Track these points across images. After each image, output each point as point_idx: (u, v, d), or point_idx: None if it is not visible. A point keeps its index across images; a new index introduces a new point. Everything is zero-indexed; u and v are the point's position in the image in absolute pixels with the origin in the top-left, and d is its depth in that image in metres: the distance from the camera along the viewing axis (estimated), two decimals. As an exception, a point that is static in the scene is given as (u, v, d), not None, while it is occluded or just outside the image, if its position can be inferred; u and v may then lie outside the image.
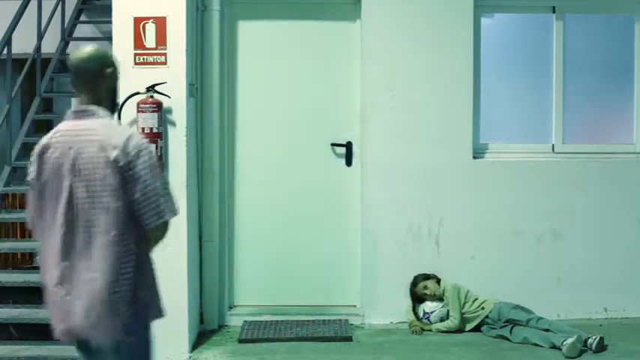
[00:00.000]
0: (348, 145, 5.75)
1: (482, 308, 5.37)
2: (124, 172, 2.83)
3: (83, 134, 2.90)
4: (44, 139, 2.99)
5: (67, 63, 3.06)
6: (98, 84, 2.99)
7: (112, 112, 3.06)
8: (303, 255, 5.75)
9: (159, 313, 3.02)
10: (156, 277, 3.01)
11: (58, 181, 2.89)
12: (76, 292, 2.87)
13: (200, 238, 5.48)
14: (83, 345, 2.97)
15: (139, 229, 2.89)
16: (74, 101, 7.69)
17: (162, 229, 2.93)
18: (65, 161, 2.88)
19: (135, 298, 2.89)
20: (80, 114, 2.96)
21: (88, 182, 2.85)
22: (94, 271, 2.84)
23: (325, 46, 5.78)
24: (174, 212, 2.92)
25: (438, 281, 5.53)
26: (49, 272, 2.93)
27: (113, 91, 3.06)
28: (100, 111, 2.96)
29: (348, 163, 5.75)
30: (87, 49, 3.06)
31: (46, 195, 2.93)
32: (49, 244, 2.92)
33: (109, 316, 2.84)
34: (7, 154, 5.99)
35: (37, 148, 2.99)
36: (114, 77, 3.05)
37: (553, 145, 5.90)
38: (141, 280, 2.92)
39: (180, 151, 4.98)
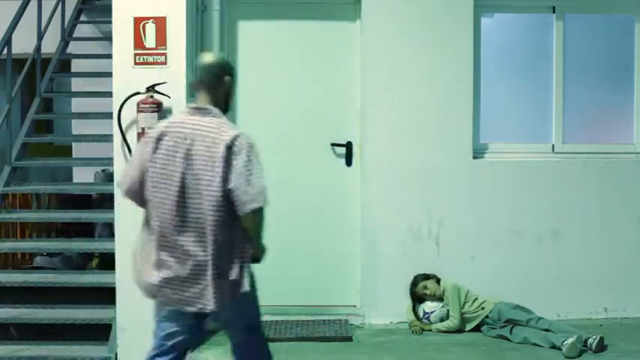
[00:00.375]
0: (348, 145, 5.75)
1: (483, 308, 5.37)
2: (227, 165, 3.22)
3: (198, 129, 3.31)
4: (161, 126, 3.42)
5: (197, 65, 3.50)
6: (217, 88, 3.42)
7: (224, 112, 3.44)
8: (303, 255, 5.75)
9: (239, 292, 3.34)
10: (249, 256, 3.38)
11: (171, 166, 3.30)
12: (182, 263, 3.29)
13: (200, 238, 5.47)
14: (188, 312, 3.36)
15: (237, 218, 3.28)
16: (74, 101, 7.72)
17: (252, 217, 3.28)
18: (179, 150, 3.30)
19: (232, 271, 3.30)
20: (198, 110, 3.39)
21: (198, 171, 3.26)
22: (200, 247, 3.26)
23: (325, 46, 5.78)
24: (261, 203, 3.27)
25: (438, 281, 5.53)
26: (159, 244, 3.33)
27: (228, 96, 3.48)
28: (215, 110, 3.37)
29: (348, 163, 5.75)
30: (212, 57, 3.59)
31: (159, 176, 3.32)
32: (159, 219, 3.33)
33: (212, 287, 3.27)
34: (7, 154, 5.99)
35: (154, 133, 3.40)
36: (231, 84, 3.48)
37: (553, 145, 5.90)
38: (238, 257, 3.32)
39: (180, 151, 4.97)
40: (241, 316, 3.49)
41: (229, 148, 3.24)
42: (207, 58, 3.53)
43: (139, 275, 3.44)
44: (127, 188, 3.43)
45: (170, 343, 3.50)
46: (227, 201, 3.24)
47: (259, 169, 3.30)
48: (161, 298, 3.40)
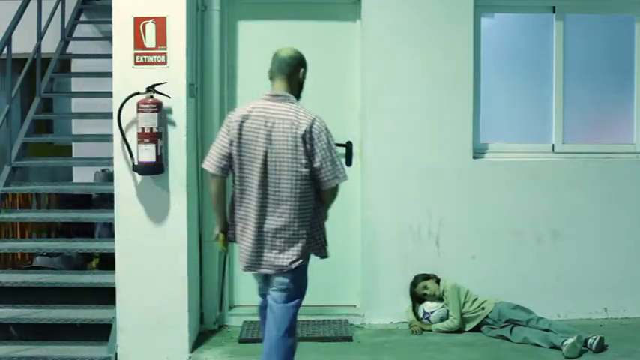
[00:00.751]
0: (348, 145, 5.75)
1: (483, 308, 5.37)
2: (308, 145, 3.73)
3: (278, 113, 3.79)
4: (243, 110, 3.86)
5: (274, 57, 3.96)
6: (293, 78, 3.90)
7: (297, 99, 3.91)
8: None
9: (324, 252, 4.01)
10: (323, 225, 3.97)
11: (254, 146, 3.77)
12: (260, 231, 3.79)
13: (200, 238, 5.48)
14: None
15: (315, 191, 3.81)
16: (74, 101, 7.71)
17: (333, 192, 3.86)
18: (261, 131, 3.77)
19: (308, 237, 3.83)
20: (276, 97, 3.86)
21: (279, 151, 3.74)
22: (282, 215, 3.76)
23: (325, 46, 5.78)
24: (343, 178, 3.82)
25: (438, 281, 5.53)
26: (246, 210, 3.82)
27: (301, 86, 3.96)
28: (292, 97, 3.86)
29: (348, 163, 5.74)
30: (290, 50, 3.98)
31: (244, 154, 3.80)
32: (246, 191, 3.82)
33: (290, 249, 3.78)
34: (7, 154, 5.99)
35: (236, 116, 3.85)
36: (304, 76, 3.97)
37: (553, 145, 5.90)
38: (313, 226, 3.87)
39: (180, 151, 4.98)
40: (295, 282, 3.89)
41: (309, 132, 3.74)
42: (286, 51, 3.97)
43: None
44: (217, 166, 3.86)
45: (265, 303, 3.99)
46: (307, 177, 3.75)
47: (335, 148, 3.82)
48: (246, 264, 3.85)
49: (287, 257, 3.79)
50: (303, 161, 3.74)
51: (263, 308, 4.05)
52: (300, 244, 3.80)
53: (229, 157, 3.84)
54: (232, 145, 3.82)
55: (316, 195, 3.83)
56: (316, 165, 3.74)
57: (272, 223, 3.78)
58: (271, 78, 3.93)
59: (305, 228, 3.80)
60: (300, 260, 3.82)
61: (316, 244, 3.91)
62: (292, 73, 3.91)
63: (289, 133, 3.74)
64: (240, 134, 3.80)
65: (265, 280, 3.96)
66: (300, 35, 5.77)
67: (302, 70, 3.95)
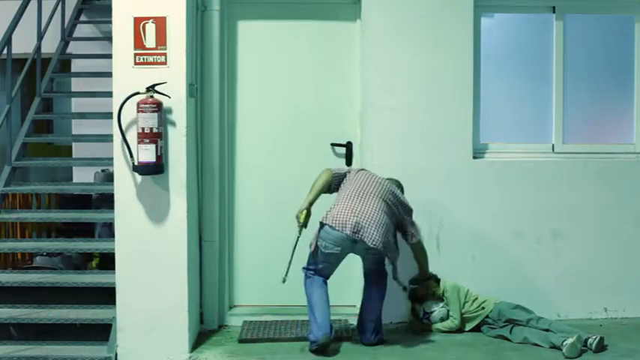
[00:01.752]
0: (348, 145, 5.75)
1: (483, 308, 5.37)
2: (398, 206, 5.12)
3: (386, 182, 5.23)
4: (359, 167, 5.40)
5: (393, 181, 5.35)
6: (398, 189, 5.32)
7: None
8: (304, 255, 5.73)
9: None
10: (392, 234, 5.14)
11: (369, 179, 5.13)
12: (359, 216, 4.95)
13: (200, 238, 5.48)
14: (361, 242, 4.94)
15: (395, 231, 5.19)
16: (74, 101, 7.70)
17: (422, 250, 5.41)
18: (375, 177, 5.16)
19: (389, 243, 5.01)
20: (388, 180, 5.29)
21: (383, 194, 5.09)
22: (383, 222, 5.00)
23: (325, 46, 5.78)
24: (419, 238, 5.31)
25: (438, 281, 5.53)
26: (347, 209, 4.99)
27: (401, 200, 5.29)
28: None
29: (348, 163, 5.75)
30: (396, 179, 5.37)
31: (356, 181, 5.12)
32: (351, 198, 5.03)
33: (380, 236, 4.92)
34: (7, 154, 5.99)
35: (356, 168, 5.38)
36: (401, 192, 5.28)
37: (553, 145, 5.90)
38: (393, 240, 5.08)
39: (180, 151, 4.98)
40: (378, 260, 5.15)
41: (401, 201, 5.17)
42: (396, 182, 5.33)
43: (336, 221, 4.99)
44: (336, 174, 5.20)
45: (325, 271, 5.19)
46: (396, 217, 5.14)
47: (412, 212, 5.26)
48: (343, 232, 4.93)
49: (374, 237, 4.92)
50: (393, 208, 5.10)
51: (313, 279, 5.19)
52: (384, 237, 4.95)
53: (341, 179, 5.20)
54: (349, 173, 5.19)
55: (395, 236, 5.16)
56: (400, 215, 5.14)
57: (370, 219, 4.96)
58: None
59: (389, 233, 5.03)
60: (382, 242, 4.96)
61: (391, 250, 5.08)
62: (396, 187, 5.26)
63: (395, 190, 5.16)
64: (357, 173, 5.19)
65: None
66: (300, 35, 5.78)
67: (401, 188, 5.34)
